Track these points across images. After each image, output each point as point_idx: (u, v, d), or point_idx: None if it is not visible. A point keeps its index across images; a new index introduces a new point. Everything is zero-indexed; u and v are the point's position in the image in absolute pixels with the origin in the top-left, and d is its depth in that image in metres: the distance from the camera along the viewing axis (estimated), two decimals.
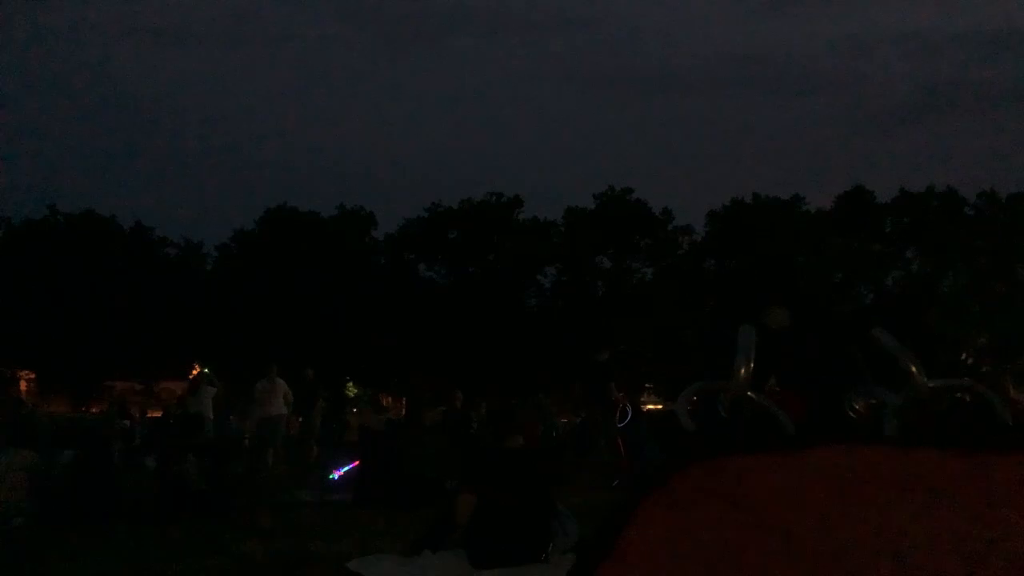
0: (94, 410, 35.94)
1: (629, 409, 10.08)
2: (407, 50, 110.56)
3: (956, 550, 0.84)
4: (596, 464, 10.94)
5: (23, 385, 39.73)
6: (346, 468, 9.67)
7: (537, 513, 4.55)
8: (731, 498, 0.91)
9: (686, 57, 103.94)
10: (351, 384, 42.49)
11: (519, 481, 4.55)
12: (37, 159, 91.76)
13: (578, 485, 8.60)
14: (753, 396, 1.17)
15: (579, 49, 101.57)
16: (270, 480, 10.84)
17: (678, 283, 43.61)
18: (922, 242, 44.37)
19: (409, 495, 8.02)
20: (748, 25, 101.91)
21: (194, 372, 14.56)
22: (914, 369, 1.31)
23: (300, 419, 14.26)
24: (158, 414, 18.52)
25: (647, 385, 38.10)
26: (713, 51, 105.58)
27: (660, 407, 30.35)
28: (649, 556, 0.84)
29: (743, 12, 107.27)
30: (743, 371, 1.16)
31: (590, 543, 0.91)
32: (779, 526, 0.89)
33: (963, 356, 40.32)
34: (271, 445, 13.04)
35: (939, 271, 43.99)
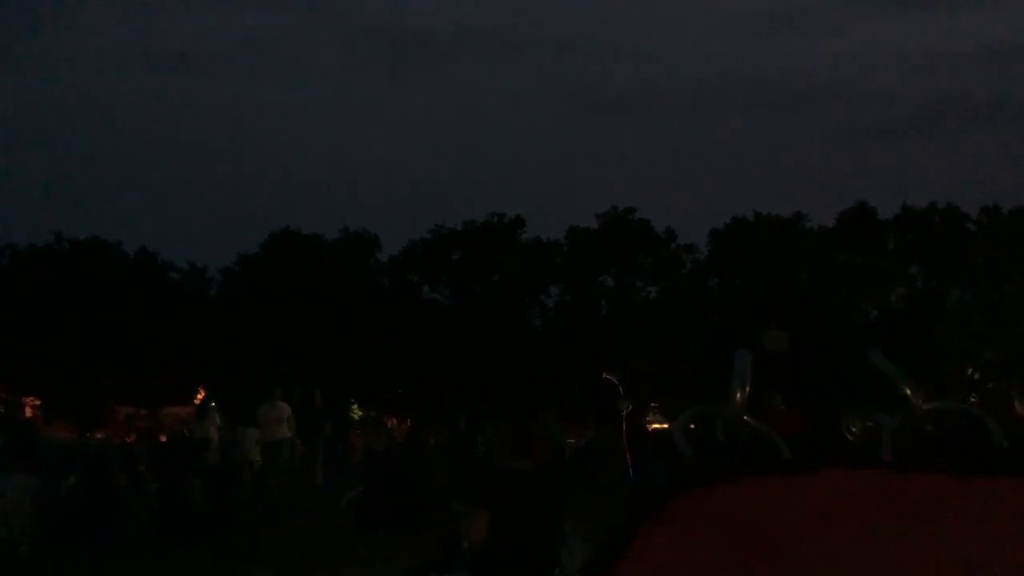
0: (99, 436, 35.85)
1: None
2: (409, 73, 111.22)
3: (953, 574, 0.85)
4: (602, 484, 10.90)
5: (28, 411, 39.68)
6: (355, 492, 9.66)
7: (545, 535, 4.53)
8: (731, 523, 0.92)
9: (687, 76, 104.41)
10: (356, 406, 42.41)
11: (528, 502, 4.53)
12: (42, 185, 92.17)
13: (584, 506, 8.56)
14: (750, 420, 1.18)
15: (580, 70, 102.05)
16: (274, 504, 10.81)
17: (682, 302, 43.59)
18: (925, 258, 44.35)
19: (414, 517, 8.00)
20: (749, 44, 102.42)
21: (199, 397, 14.56)
22: (909, 392, 1.31)
23: (303, 443, 14.22)
24: (163, 438, 18.50)
25: (652, 404, 37.97)
26: (714, 70, 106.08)
27: (665, 426, 30.22)
28: None
29: (744, 31, 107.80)
30: (739, 396, 1.17)
31: (588, 568, 0.92)
32: (781, 551, 0.90)
33: (969, 371, 40.17)
34: (274, 469, 12.99)
35: (943, 287, 43.93)
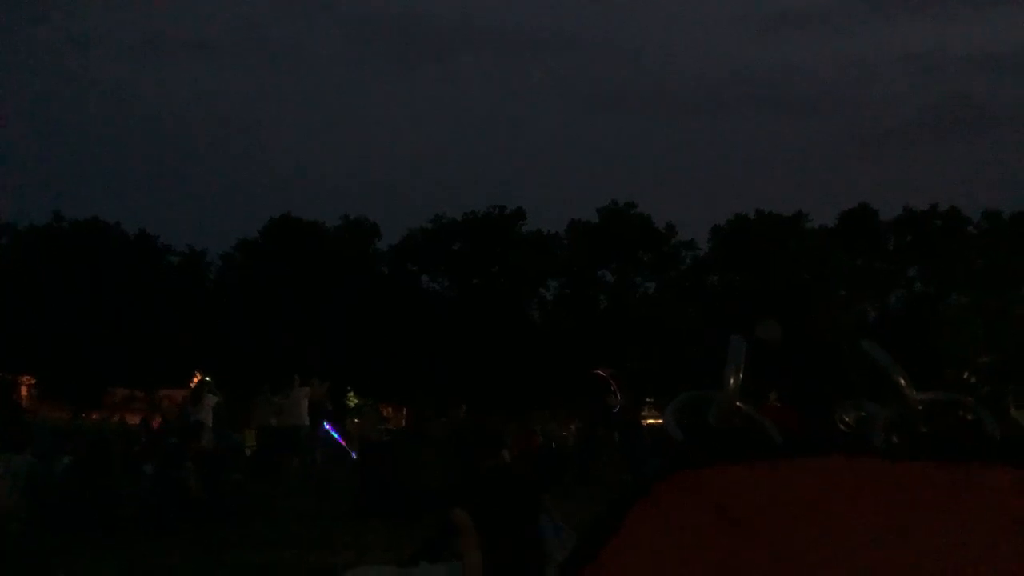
0: (94, 416, 35.87)
1: (618, 399, 10.08)
2: (413, 65, 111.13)
3: (944, 564, 0.84)
4: (595, 477, 10.90)
5: (24, 390, 39.71)
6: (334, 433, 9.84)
7: (528, 528, 4.51)
8: (718, 508, 0.91)
9: (691, 76, 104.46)
10: (352, 394, 42.45)
11: (504, 496, 4.52)
12: (42, 165, 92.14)
13: (577, 498, 8.56)
14: (742, 407, 1.18)
15: (584, 67, 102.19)
16: (283, 491, 10.77)
17: (680, 298, 43.59)
18: (925, 260, 44.33)
19: (408, 506, 7.99)
20: (754, 46, 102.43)
21: (195, 380, 14.56)
22: (903, 382, 1.31)
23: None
24: (158, 421, 18.46)
25: (648, 399, 37.99)
26: (717, 70, 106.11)
27: (660, 421, 30.21)
28: (633, 567, 0.84)
29: (749, 33, 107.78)
30: (732, 382, 1.16)
31: (574, 552, 0.91)
32: (767, 538, 0.89)
33: (965, 375, 40.13)
34: (296, 455, 13.10)
35: (942, 289, 43.92)
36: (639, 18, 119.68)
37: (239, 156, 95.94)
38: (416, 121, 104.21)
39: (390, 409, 40.37)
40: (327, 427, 10.91)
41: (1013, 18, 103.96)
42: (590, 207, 49.17)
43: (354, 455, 12.10)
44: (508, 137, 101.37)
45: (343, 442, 13.36)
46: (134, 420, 21.96)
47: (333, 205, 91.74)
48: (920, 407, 1.31)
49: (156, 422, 17.49)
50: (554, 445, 17.42)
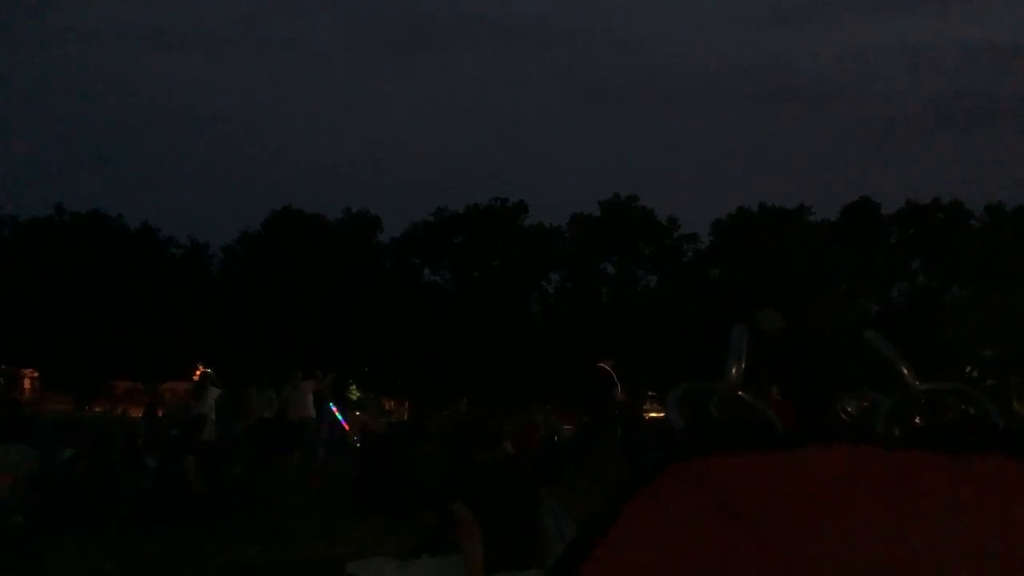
0: (97, 409, 35.91)
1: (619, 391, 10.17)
2: (414, 57, 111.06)
3: (946, 557, 0.83)
4: (595, 472, 10.91)
5: (27, 383, 39.77)
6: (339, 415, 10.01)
7: (528, 521, 4.51)
8: (719, 501, 0.90)
9: (693, 68, 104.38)
10: (354, 387, 42.51)
11: (502, 491, 4.52)
12: (44, 158, 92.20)
13: (578, 492, 8.55)
14: (744, 396, 1.17)
15: (586, 60, 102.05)
16: (283, 485, 10.78)
17: (682, 291, 43.55)
18: (928, 254, 44.25)
19: (409, 499, 7.98)
20: (754, 37, 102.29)
21: (198, 373, 14.60)
22: (905, 371, 1.30)
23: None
24: (160, 414, 18.45)
25: (650, 393, 37.99)
26: (719, 62, 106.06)
27: (662, 415, 30.21)
28: (632, 557, 0.83)
29: (749, 24, 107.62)
30: (735, 371, 1.15)
31: (573, 544, 0.90)
32: (767, 532, 0.88)
33: (968, 369, 40.14)
34: (298, 449, 13.16)
35: (944, 283, 43.86)
36: (640, 12, 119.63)
37: (241, 149, 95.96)
38: (418, 114, 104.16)
39: (392, 403, 40.44)
40: (331, 407, 11.02)
41: (1015, 11, 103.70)
42: (592, 200, 49.00)
43: (356, 439, 12.22)
44: (510, 130, 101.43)
45: (347, 426, 13.45)
46: (137, 412, 21.99)
47: (335, 198, 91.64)
48: (923, 398, 1.30)
49: (160, 413, 17.50)
50: (556, 439, 17.39)
